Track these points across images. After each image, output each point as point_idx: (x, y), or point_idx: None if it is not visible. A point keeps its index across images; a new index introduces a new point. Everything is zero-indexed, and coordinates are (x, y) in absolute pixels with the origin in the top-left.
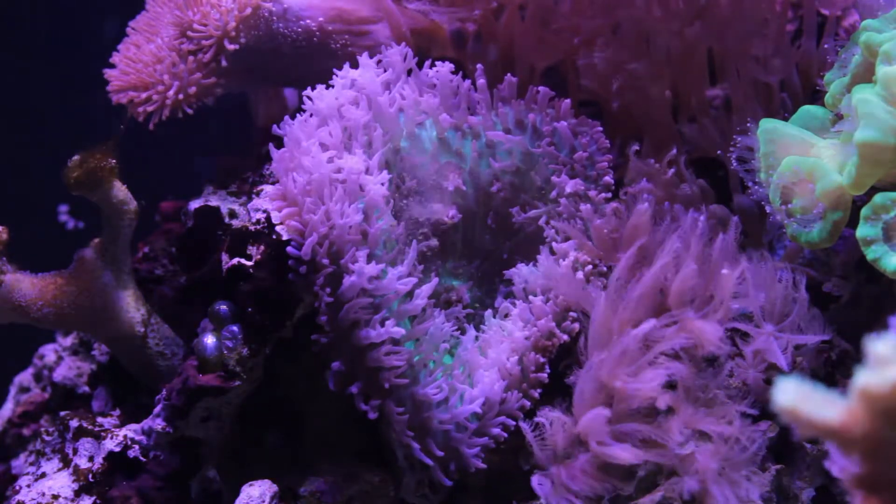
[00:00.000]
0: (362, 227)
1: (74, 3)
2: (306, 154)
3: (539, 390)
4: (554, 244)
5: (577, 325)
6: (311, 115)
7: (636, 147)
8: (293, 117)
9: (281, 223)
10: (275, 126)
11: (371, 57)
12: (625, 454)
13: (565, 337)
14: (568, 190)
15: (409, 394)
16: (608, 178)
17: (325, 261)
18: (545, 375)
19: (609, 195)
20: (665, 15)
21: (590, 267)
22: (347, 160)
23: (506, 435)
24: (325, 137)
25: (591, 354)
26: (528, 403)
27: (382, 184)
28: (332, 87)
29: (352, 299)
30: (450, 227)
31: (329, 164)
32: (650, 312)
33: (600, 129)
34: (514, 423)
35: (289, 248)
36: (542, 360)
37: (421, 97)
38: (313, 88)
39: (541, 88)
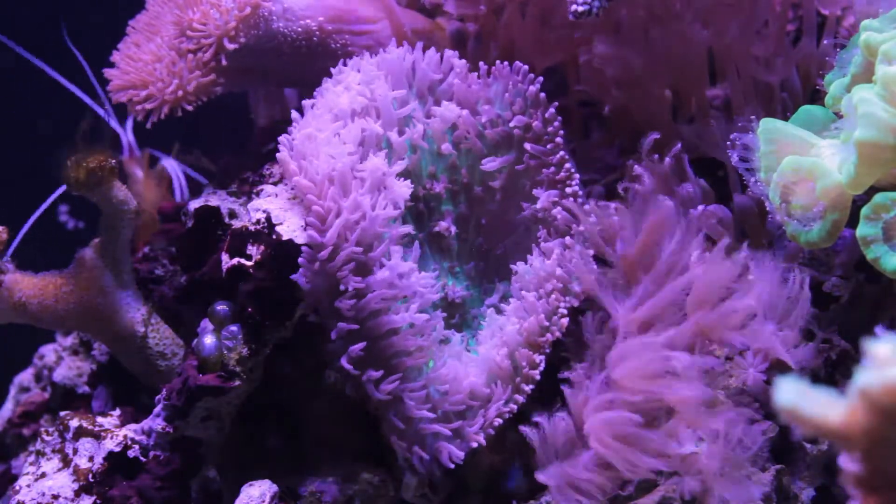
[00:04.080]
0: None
1: (74, 2)
2: (326, 144)
3: (531, 386)
4: (542, 243)
5: (565, 321)
6: (327, 111)
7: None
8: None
9: (281, 225)
10: (295, 112)
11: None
12: (622, 466)
13: (558, 333)
14: (539, 205)
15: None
16: (572, 188)
17: (358, 249)
18: (537, 372)
19: (581, 201)
20: (666, 14)
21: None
22: (371, 159)
23: (492, 432)
24: (344, 135)
25: (588, 353)
26: (521, 398)
27: (405, 194)
28: (346, 89)
29: (378, 290)
30: (445, 230)
31: (351, 156)
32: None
33: (562, 134)
34: (500, 420)
35: (308, 232)
36: (534, 356)
37: (428, 119)
38: (313, 88)
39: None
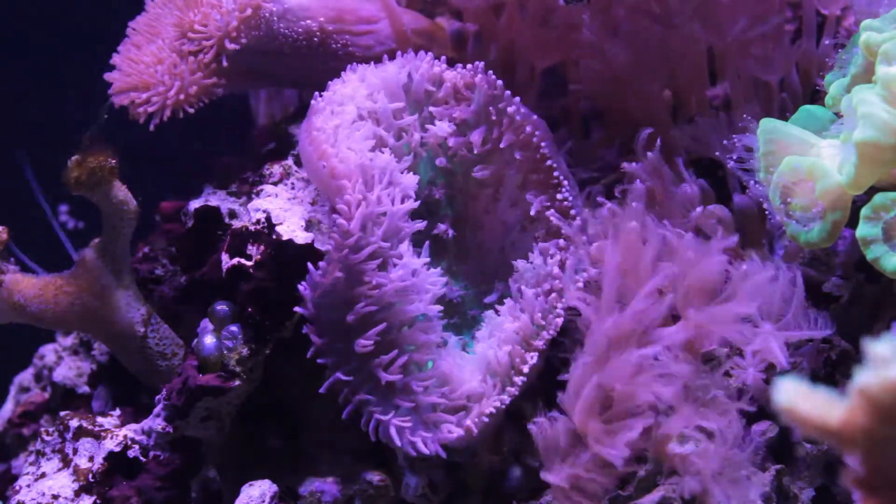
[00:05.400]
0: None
1: (74, 2)
2: (348, 138)
3: (522, 378)
4: (541, 243)
5: (560, 321)
6: (342, 108)
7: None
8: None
9: (281, 225)
10: (319, 98)
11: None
12: (617, 453)
13: (553, 332)
14: (532, 211)
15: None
16: (562, 194)
17: (385, 244)
18: (527, 367)
19: (569, 203)
20: (663, 13)
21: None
22: (381, 156)
23: (486, 419)
24: (359, 134)
25: (589, 356)
26: (513, 390)
27: (414, 185)
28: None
29: (393, 284)
30: (443, 233)
31: (371, 152)
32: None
33: (544, 145)
34: (493, 409)
35: (339, 220)
36: (526, 353)
37: (425, 129)
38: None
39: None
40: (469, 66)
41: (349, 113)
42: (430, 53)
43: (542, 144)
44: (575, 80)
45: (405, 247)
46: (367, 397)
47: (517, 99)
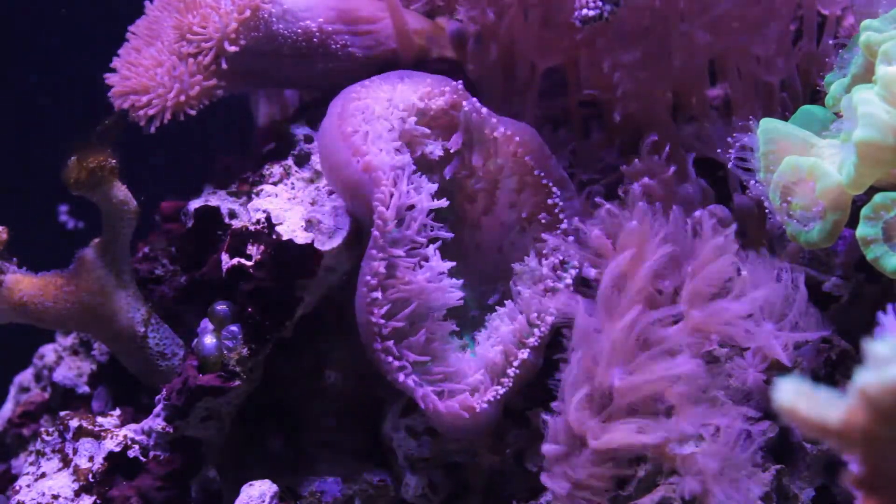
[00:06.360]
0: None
1: (75, 2)
2: (379, 139)
3: (515, 370)
4: (537, 244)
5: (552, 318)
6: (375, 115)
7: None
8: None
9: (281, 225)
10: (350, 99)
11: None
12: (625, 437)
13: (545, 329)
14: (524, 214)
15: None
16: (553, 199)
17: (422, 238)
18: (518, 361)
19: (560, 208)
20: (667, 14)
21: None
22: (401, 157)
23: (486, 406)
24: (388, 137)
25: (581, 351)
26: (507, 381)
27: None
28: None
29: (420, 283)
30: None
31: (397, 153)
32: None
33: (528, 157)
34: (491, 398)
35: (379, 208)
36: (518, 351)
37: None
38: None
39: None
40: (451, 87)
41: (382, 126)
42: (429, 76)
43: (527, 158)
44: (575, 80)
45: (431, 250)
46: (405, 365)
47: (505, 120)
